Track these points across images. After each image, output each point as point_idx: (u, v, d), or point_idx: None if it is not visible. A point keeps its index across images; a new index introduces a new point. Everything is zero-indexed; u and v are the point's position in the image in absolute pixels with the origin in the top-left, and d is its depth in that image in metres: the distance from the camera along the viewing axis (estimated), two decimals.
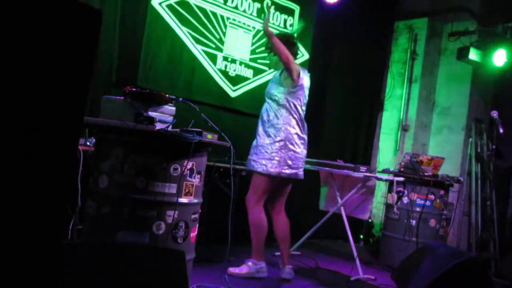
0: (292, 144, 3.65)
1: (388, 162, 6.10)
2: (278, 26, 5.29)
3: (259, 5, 5.12)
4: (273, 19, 5.26)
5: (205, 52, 4.71)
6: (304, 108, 3.78)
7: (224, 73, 4.87)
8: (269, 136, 3.64)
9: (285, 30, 5.31)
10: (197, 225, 2.88)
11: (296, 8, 5.48)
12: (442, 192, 4.90)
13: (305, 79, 3.77)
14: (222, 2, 4.81)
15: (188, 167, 2.71)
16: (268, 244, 4.51)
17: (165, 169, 2.65)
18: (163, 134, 2.58)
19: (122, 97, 2.74)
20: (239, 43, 4.97)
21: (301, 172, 3.75)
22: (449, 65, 6.28)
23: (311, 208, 5.09)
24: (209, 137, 2.80)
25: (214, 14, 4.76)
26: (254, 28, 5.09)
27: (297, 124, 3.70)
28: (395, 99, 6.52)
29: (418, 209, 4.77)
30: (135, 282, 1.93)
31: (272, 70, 4.10)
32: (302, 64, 5.41)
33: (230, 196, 2.97)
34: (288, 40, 3.75)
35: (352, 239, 4.31)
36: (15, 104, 1.43)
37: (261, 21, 3.70)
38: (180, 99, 2.96)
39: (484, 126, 6.16)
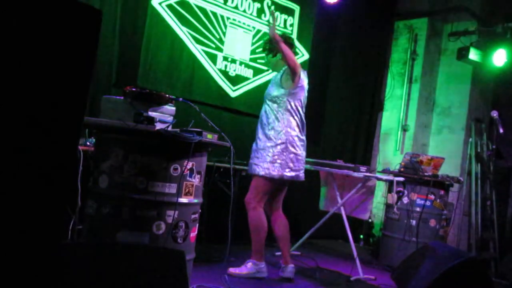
0: (293, 146, 3.66)
1: (388, 162, 6.10)
2: (278, 26, 5.29)
3: (259, 5, 5.12)
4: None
5: (205, 52, 4.71)
6: (304, 109, 3.78)
7: (224, 73, 4.87)
8: (270, 139, 3.63)
9: (285, 30, 5.31)
10: (197, 225, 2.88)
11: (296, 8, 5.48)
12: (442, 192, 4.90)
13: (305, 80, 3.79)
14: (222, 2, 4.81)
15: (188, 167, 2.71)
16: (268, 245, 4.52)
17: (165, 169, 2.65)
18: (163, 134, 2.58)
19: (122, 97, 2.74)
20: (239, 43, 4.97)
21: (302, 174, 3.77)
22: (449, 65, 6.28)
23: (311, 208, 5.10)
24: (209, 137, 2.80)
25: (214, 14, 4.76)
26: (254, 28, 5.09)
27: (298, 126, 3.71)
28: (395, 99, 6.52)
29: (418, 209, 4.77)
30: (135, 282, 1.93)
31: (270, 71, 4.09)
32: (302, 64, 5.42)
33: (230, 196, 2.97)
34: (286, 41, 3.76)
35: (352, 239, 4.31)
36: (15, 104, 1.43)
37: (266, 24, 3.67)
38: (180, 99, 2.97)
39: (484, 126, 6.16)
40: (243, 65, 5.02)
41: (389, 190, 5.09)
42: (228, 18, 4.87)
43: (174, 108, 2.88)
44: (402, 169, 4.93)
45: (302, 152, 3.74)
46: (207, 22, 4.71)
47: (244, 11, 5.00)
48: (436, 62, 6.44)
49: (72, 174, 2.66)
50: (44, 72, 1.48)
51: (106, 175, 2.66)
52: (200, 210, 2.90)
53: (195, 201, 2.82)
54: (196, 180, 2.80)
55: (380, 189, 6.05)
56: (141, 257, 2.01)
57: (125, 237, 2.57)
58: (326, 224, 4.76)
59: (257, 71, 5.11)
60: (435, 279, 2.93)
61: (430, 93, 6.43)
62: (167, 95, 2.85)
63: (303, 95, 3.77)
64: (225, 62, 4.87)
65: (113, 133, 2.69)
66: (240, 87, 5.00)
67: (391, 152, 6.43)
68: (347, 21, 6.06)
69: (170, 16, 4.43)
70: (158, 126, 2.62)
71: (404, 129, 6.36)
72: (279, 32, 4.21)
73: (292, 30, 5.44)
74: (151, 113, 2.68)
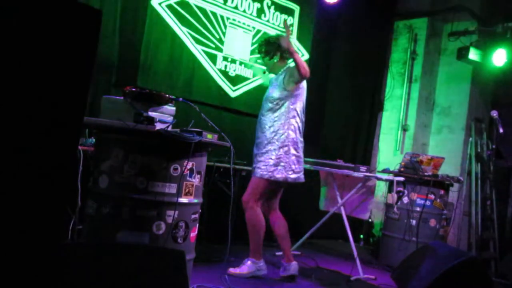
0: (295, 148, 3.67)
1: (388, 162, 6.10)
2: (278, 26, 5.29)
3: (259, 5, 5.12)
4: (273, 19, 5.26)
5: (205, 52, 4.71)
6: (304, 111, 3.79)
7: (224, 73, 4.87)
8: (272, 141, 3.63)
9: (285, 31, 5.30)
10: (197, 225, 2.88)
11: (296, 8, 5.48)
12: (442, 192, 4.90)
13: (305, 82, 3.78)
14: (222, 2, 4.81)
15: (188, 167, 2.71)
16: (268, 245, 4.52)
17: (165, 169, 2.65)
18: (163, 134, 2.57)
19: (122, 97, 2.74)
20: (239, 43, 4.97)
21: (302, 176, 3.78)
22: (449, 65, 6.28)
23: (311, 208, 5.10)
24: (209, 137, 2.80)
25: (214, 14, 4.76)
26: (254, 28, 5.09)
27: (298, 128, 3.71)
28: (395, 99, 6.52)
29: (418, 209, 4.77)
30: (135, 282, 1.93)
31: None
32: None
33: (230, 196, 2.97)
34: (281, 44, 3.76)
35: (352, 239, 4.31)
36: (15, 104, 1.43)
37: (280, 32, 3.66)
38: (180, 99, 2.97)
39: (484, 126, 6.16)
40: (243, 65, 5.02)
41: (389, 190, 5.09)
42: (228, 18, 4.87)
43: (174, 108, 2.88)
44: (402, 169, 4.93)
45: (302, 153, 3.76)
46: (207, 22, 4.71)
47: (244, 11, 5.00)
48: (436, 62, 6.45)
49: (72, 174, 2.66)
50: (44, 72, 1.48)
51: (106, 175, 2.66)
52: (200, 210, 2.90)
53: (195, 201, 2.82)
54: (196, 180, 2.80)
55: (380, 189, 6.05)
56: (141, 257, 2.01)
57: (125, 237, 2.57)
58: (326, 224, 4.76)
59: (257, 71, 5.10)
60: (435, 279, 2.93)
61: (430, 93, 6.43)
62: (167, 95, 2.85)
63: (304, 97, 3.77)
64: (225, 62, 4.87)
65: (113, 133, 2.69)
66: (240, 87, 5.00)
67: (391, 152, 6.43)
68: (347, 21, 6.06)
69: (170, 16, 4.43)
70: (158, 126, 2.62)
71: (404, 129, 6.36)
72: (277, 33, 4.23)
73: (292, 30, 5.44)
74: (151, 113, 2.68)
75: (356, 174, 4.26)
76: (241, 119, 5.01)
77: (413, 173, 4.79)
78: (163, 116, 2.78)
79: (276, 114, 3.66)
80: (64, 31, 1.50)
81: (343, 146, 6.28)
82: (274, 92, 3.69)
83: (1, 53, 1.39)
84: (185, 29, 4.54)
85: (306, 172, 3.90)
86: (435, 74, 6.44)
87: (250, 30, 5.07)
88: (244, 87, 5.02)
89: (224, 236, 3.08)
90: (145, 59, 4.29)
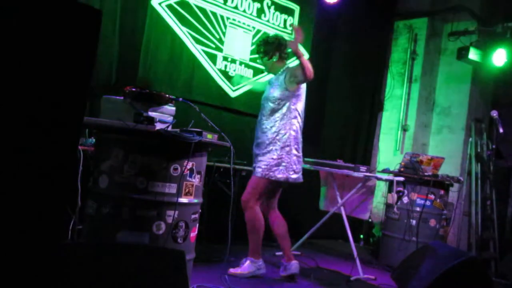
0: (296, 149, 3.68)
1: (388, 162, 6.10)
2: (278, 26, 5.29)
3: (259, 5, 5.12)
4: (273, 19, 5.26)
5: (205, 52, 4.71)
6: (304, 110, 3.79)
7: (224, 73, 4.87)
8: (274, 141, 3.63)
9: (285, 31, 5.31)
10: (197, 225, 2.88)
11: (296, 8, 5.48)
12: (442, 192, 4.90)
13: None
14: (222, 2, 4.81)
15: (188, 167, 2.71)
16: (268, 245, 4.52)
17: (165, 169, 2.65)
18: (163, 134, 2.57)
19: (122, 97, 2.74)
20: (239, 43, 4.97)
21: (301, 176, 3.78)
22: (449, 65, 6.28)
23: (311, 208, 5.10)
24: (209, 137, 2.80)
25: (214, 14, 4.76)
26: (254, 28, 5.09)
27: (299, 128, 3.71)
28: (395, 99, 6.52)
29: (418, 209, 4.77)
30: (135, 282, 1.93)
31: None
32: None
33: (230, 196, 2.97)
34: (280, 43, 3.76)
35: (352, 239, 4.31)
36: (15, 104, 1.43)
37: (288, 34, 3.63)
38: (180, 99, 2.97)
39: (484, 126, 6.16)
40: (243, 65, 5.02)
41: (389, 190, 5.09)
42: (228, 18, 4.87)
43: (174, 108, 2.88)
44: (402, 169, 4.93)
45: (301, 153, 3.77)
46: (207, 22, 4.71)
47: (244, 11, 5.00)
48: (436, 62, 6.44)
49: (72, 174, 2.66)
50: (44, 72, 1.48)
51: (106, 175, 2.66)
52: (200, 210, 2.90)
53: (195, 201, 2.82)
54: (196, 180, 2.80)
55: (380, 189, 6.05)
56: (141, 257, 2.01)
57: (125, 237, 2.57)
58: (326, 224, 4.76)
59: (257, 71, 5.11)
60: (435, 279, 2.93)
61: (430, 93, 6.43)
62: (167, 95, 2.85)
63: (304, 97, 3.77)
64: (225, 62, 4.87)
65: (113, 133, 2.69)
66: (240, 87, 5.00)
67: (391, 152, 6.43)
68: (347, 21, 6.05)
69: (170, 16, 4.43)
70: (158, 126, 2.62)
71: (404, 129, 6.36)
72: (275, 33, 4.22)
73: (292, 30, 5.43)
74: (151, 113, 2.68)
75: (356, 174, 4.26)
76: (241, 119, 5.01)
77: (413, 173, 4.79)
78: (163, 116, 2.78)
79: (277, 114, 3.65)
80: (64, 31, 1.50)
81: (343, 146, 6.28)
82: (275, 92, 3.69)
83: (1, 53, 1.39)
84: (185, 29, 4.54)
85: (306, 172, 3.90)
86: (435, 74, 6.44)
87: (250, 30, 5.07)
88: (244, 87, 5.02)
89: (224, 236, 3.09)
90: (145, 59, 4.29)
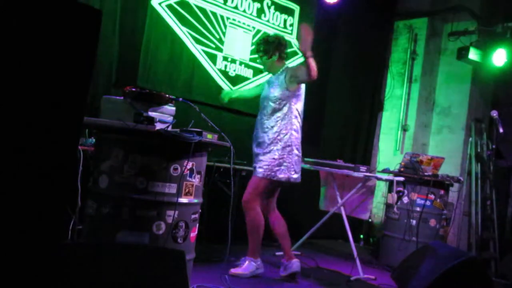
0: (297, 149, 3.68)
1: (388, 162, 6.10)
2: (278, 26, 5.29)
3: (259, 5, 5.12)
4: (273, 19, 5.26)
5: (205, 52, 4.71)
6: (303, 110, 3.79)
7: (224, 73, 4.87)
8: (275, 142, 3.62)
9: (285, 31, 5.31)
10: (197, 225, 2.88)
11: (296, 8, 5.48)
12: (442, 192, 4.90)
13: None
14: (222, 2, 4.81)
15: (188, 167, 2.71)
16: (268, 245, 4.52)
17: (165, 169, 2.65)
18: (163, 134, 2.57)
19: (122, 97, 2.74)
20: (239, 43, 4.97)
21: (300, 175, 3.78)
22: (449, 65, 6.28)
23: (311, 208, 5.10)
24: (209, 137, 2.80)
25: (214, 14, 4.76)
26: (254, 28, 5.09)
27: (299, 128, 3.72)
28: (395, 99, 6.52)
29: (418, 209, 4.77)
30: (135, 282, 1.93)
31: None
32: (302, 64, 5.41)
33: (230, 196, 2.97)
34: (281, 43, 3.76)
35: (352, 239, 4.31)
36: (15, 104, 1.43)
37: (296, 36, 3.58)
38: (180, 99, 2.97)
39: (484, 126, 6.16)
40: (243, 65, 5.02)
41: (389, 190, 5.09)
42: (228, 18, 4.87)
43: (174, 108, 2.88)
44: (402, 169, 4.93)
45: (301, 153, 3.77)
46: (207, 22, 4.71)
47: (244, 11, 5.00)
48: (436, 62, 6.44)
49: (72, 174, 2.66)
50: (44, 72, 1.48)
51: (106, 175, 2.66)
52: (200, 210, 2.90)
53: (195, 201, 2.82)
54: (196, 180, 2.80)
55: (380, 189, 6.05)
56: (141, 257, 2.01)
57: (125, 237, 2.57)
58: (326, 224, 4.76)
59: (257, 71, 5.11)
60: (435, 278, 2.93)
61: (430, 93, 6.43)
62: (167, 95, 2.85)
63: (304, 96, 3.78)
64: (225, 62, 4.87)
65: (113, 133, 2.69)
66: (240, 87, 5.00)
67: (391, 152, 6.43)
68: (347, 21, 6.05)
69: (170, 16, 4.43)
70: (158, 126, 2.62)
71: (404, 129, 6.36)
72: (275, 33, 4.22)
73: (292, 30, 5.44)
74: (151, 113, 2.68)
75: (356, 174, 4.26)
76: (241, 119, 5.01)
77: (413, 173, 4.79)
78: (163, 116, 2.78)
79: (278, 114, 3.65)
80: (64, 31, 1.50)
81: (343, 146, 6.28)
82: (276, 92, 3.68)
83: (1, 53, 1.39)
84: (185, 29, 4.54)
85: (307, 172, 3.90)
86: (435, 74, 6.44)
87: (250, 30, 5.07)
88: (244, 87, 5.02)
89: (224, 236, 3.08)
90: (145, 59, 4.29)
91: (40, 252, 1.50)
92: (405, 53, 6.49)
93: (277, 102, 3.66)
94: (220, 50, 4.83)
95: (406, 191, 4.85)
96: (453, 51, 6.07)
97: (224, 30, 4.84)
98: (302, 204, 5.33)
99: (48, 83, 1.49)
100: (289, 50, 3.98)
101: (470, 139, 6.05)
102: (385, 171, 5.07)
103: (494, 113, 4.97)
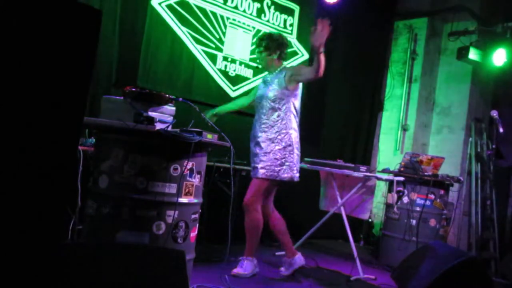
0: (297, 148, 3.68)
1: (388, 162, 6.10)
2: (278, 26, 5.29)
3: (259, 5, 5.12)
4: (273, 19, 5.26)
5: (205, 52, 4.71)
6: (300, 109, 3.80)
7: (224, 73, 4.87)
8: (276, 141, 3.62)
9: (285, 31, 5.31)
10: (197, 225, 2.88)
11: (296, 8, 5.48)
12: (442, 191, 4.90)
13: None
14: (222, 2, 4.81)
15: (188, 167, 2.71)
16: (268, 245, 4.53)
17: (165, 169, 2.65)
18: (163, 134, 2.57)
19: (122, 97, 2.74)
20: (239, 43, 4.97)
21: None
22: (449, 65, 6.29)
23: (311, 208, 5.10)
24: (209, 137, 2.80)
25: (214, 14, 4.76)
26: (254, 28, 5.09)
27: (298, 126, 3.72)
28: (395, 99, 6.52)
29: (418, 208, 4.77)
30: (135, 282, 1.93)
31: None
32: (304, 64, 5.42)
33: (230, 196, 2.97)
34: (284, 42, 3.76)
35: (352, 239, 4.31)
36: (15, 104, 1.43)
37: (311, 31, 3.52)
38: (180, 99, 2.96)
39: (484, 125, 6.16)
40: (243, 65, 5.02)
41: (389, 190, 5.09)
42: (228, 18, 4.87)
43: (174, 108, 2.88)
44: (402, 169, 4.93)
45: (300, 152, 3.77)
46: (207, 22, 4.71)
47: (244, 11, 5.00)
48: (436, 61, 6.45)
49: (72, 174, 2.66)
50: (44, 72, 1.48)
51: (106, 175, 2.66)
52: (200, 210, 2.90)
53: (195, 201, 2.82)
54: (196, 180, 2.80)
55: (380, 189, 6.05)
56: (141, 257, 2.01)
57: (125, 237, 2.57)
58: (326, 224, 4.76)
59: (257, 71, 5.10)
60: (435, 278, 2.94)
61: (430, 92, 6.43)
62: (167, 95, 2.85)
63: (300, 95, 3.78)
64: (225, 62, 4.87)
65: (113, 133, 2.69)
66: (240, 87, 5.00)
67: (391, 152, 6.43)
68: (347, 21, 6.05)
69: (170, 16, 4.43)
70: (158, 126, 2.62)
71: (404, 129, 6.36)
72: (278, 32, 4.22)
73: (292, 30, 5.45)
74: (151, 113, 2.68)
75: (356, 174, 4.26)
76: (241, 119, 5.00)
77: (413, 173, 4.79)
78: (163, 116, 2.77)
79: (277, 113, 3.65)
80: (64, 31, 1.50)
81: (343, 146, 6.28)
82: (275, 91, 3.67)
83: (1, 53, 1.39)
84: (185, 29, 4.54)
85: (307, 172, 3.90)
86: (435, 74, 6.44)
87: (250, 30, 5.07)
88: (244, 87, 5.02)
89: (224, 236, 3.08)
90: (145, 59, 4.29)
91: (40, 252, 1.50)
92: (405, 53, 6.49)
93: (277, 101, 3.66)
94: (220, 50, 4.83)
95: (406, 191, 4.85)
96: (453, 51, 6.08)
97: (224, 30, 4.84)
98: (302, 204, 5.33)
99: (48, 83, 1.49)
100: (289, 50, 3.97)
101: (470, 139, 6.05)
102: (385, 171, 5.07)
103: (494, 113, 4.97)
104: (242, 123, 4.96)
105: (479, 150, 6.04)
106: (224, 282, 3.31)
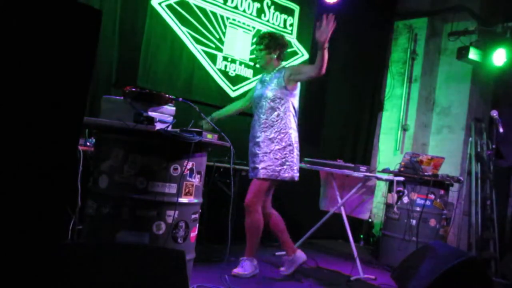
0: (296, 147, 3.68)
1: (388, 162, 6.10)
2: (278, 26, 5.29)
3: (259, 5, 5.12)
4: (273, 19, 5.26)
5: (205, 52, 4.71)
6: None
7: (224, 73, 4.87)
8: (276, 141, 3.61)
9: (285, 31, 5.31)
10: (197, 225, 2.88)
11: (296, 8, 5.48)
12: (442, 191, 4.90)
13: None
14: (222, 2, 4.81)
15: (188, 167, 2.71)
16: (268, 245, 4.53)
17: (165, 169, 2.65)
18: (163, 134, 2.57)
19: (122, 97, 2.74)
20: (239, 43, 4.97)
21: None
22: (449, 65, 6.29)
23: (311, 208, 5.10)
24: (209, 137, 2.80)
25: (214, 14, 4.76)
26: (254, 28, 5.09)
27: (297, 126, 3.72)
28: (395, 99, 6.52)
29: (418, 208, 4.77)
30: (135, 282, 1.93)
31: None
32: (304, 63, 5.41)
33: (230, 196, 2.97)
34: (285, 43, 3.76)
35: (352, 239, 4.31)
36: (15, 104, 1.43)
37: (318, 27, 3.52)
38: (180, 99, 2.96)
39: (484, 125, 6.16)
40: (243, 65, 5.02)
41: (389, 190, 5.09)
42: (228, 18, 4.87)
43: (174, 108, 2.88)
44: (402, 169, 4.93)
45: (299, 151, 3.77)
46: (207, 22, 4.71)
47: (244, 11, 5.00)
48: (436, 61, 6.45)
49: (72, 174, 2.66)
50: (44, 72, 1.48)
51: (106, 175, 2.66)
52: (200, 210, 2.90)
53: (195, 201, 2.82)
54: (196, 180, 2.80)
55: (380, 189, 6.05)
56: (141, 257, 2.01)
57: (125, 237, 2.57)
58: (326, 224, 4.76)
59: (257, 71, 5.10)
60: (435, 278, 2.94)
61: (430, 92, 6.43)
62: (167, 95, 2.85)
63: (299, 95, 3.79)
64: (225, 62, 4.87)
65: (113, 133, 2.69)
66: (240, 87, 5.00)
67: (391, 152, 6.43)
68: (347, 21, 6.04)
69: (170, 16, 4.43)
70: (158, 126, 2.62)
71: (404, 129, 6.36)
72: (280, 32, 4.22)
73: (292, 30, 5.45)
74: (151, 113, 2.68)
75: (356, 174, 4.26)
76: (241, 119, 5.00)
77: (413, 173, 4.79)
78: (163, 116, 2.77)
79: (277, 113, 3.65)
80: (64, 31, 1.50)
81: (343, 146, 6.28)
82: (274, 91, 3.67)
83: (1, 53, 1.39)
84: (185, 29, 4.54)
85: (307, 172, 3.90)
86: (435, 74, 6.44)
87: (250, 30, 5.07)
88: (244, 87, 5.02)
89: (224, 236, 3.08)
90: (145, 59, 4.29)
91: (40, 252, 1.50)
92: (405, 53, 6.49)
93: (276, 101, 3.65)
94: (220, 50, 4.83)
95: (406, 191, 4.85)
96: (453, 51, 6.07)
97: (224, 30, 4.84)
98: (302, 204, 5.33)
99: (48, 83, 1.49)
100: (289, 50, 3.97)
101: (470, 139, 6.05)
102: (385, 171, 5.07)
103: (494, 113, 4.97)
104: (242, 123, 4.96)
105: (479, 150, 6.04)
106: (224, 282, 3.31)
